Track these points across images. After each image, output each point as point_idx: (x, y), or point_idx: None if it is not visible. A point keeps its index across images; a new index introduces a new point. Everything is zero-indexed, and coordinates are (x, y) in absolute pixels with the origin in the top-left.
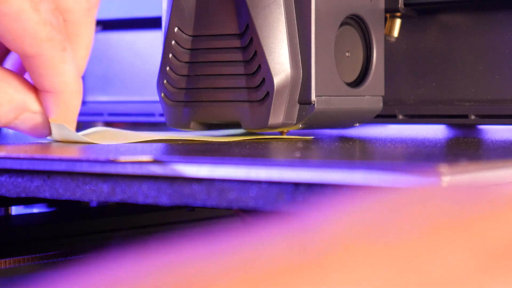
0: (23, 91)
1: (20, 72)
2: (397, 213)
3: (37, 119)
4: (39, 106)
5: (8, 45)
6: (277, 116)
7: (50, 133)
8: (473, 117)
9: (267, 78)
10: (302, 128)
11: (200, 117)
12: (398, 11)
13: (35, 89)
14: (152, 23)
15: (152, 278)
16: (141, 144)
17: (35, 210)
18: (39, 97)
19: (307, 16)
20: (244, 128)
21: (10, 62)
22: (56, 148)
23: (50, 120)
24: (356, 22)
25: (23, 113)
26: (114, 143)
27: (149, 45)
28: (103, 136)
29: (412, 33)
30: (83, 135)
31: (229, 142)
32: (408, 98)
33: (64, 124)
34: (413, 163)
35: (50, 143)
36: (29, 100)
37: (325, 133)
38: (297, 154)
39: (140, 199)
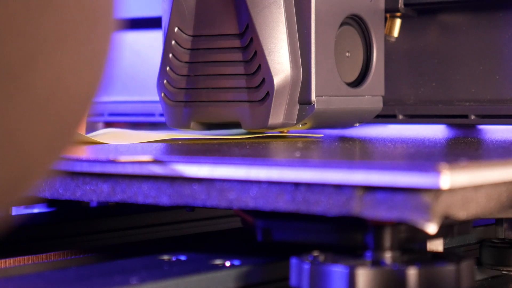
0: None
1: None
2: None
3: None
4: None
5: None
6: (277, 116)
7: None
8: (473, 117)
9: (267, 78)
10: (302, 128)
11: (200, 117)
12: (398, 11)
13: None
14: (152, 23)
15: None
16: (141, 144)
17: (35, 210)
18: None
19: (307, 16)
20: (244, 128)
21: None
22: None
23: None
24: (356, 22)
25: None
26: (124, 143)
27: (149, 45)
28: (113, 137)
29: (412, 33)
30: (92, 137)
31: (235, 140)
32: (408, 98)
33: None
34: (413, 163)
35: None
36: None
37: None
38: (297, 154)
39: (140, 199)
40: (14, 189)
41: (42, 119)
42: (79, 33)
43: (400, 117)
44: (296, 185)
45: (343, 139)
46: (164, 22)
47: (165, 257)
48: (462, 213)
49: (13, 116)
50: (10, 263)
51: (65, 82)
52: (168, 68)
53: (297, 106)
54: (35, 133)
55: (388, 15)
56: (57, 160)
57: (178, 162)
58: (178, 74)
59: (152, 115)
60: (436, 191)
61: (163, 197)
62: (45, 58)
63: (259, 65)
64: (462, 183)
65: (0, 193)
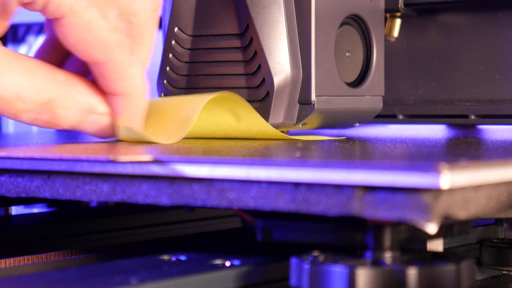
0: (89, 94)
1: (82, 75)
2: None
3: (104, 121)
4: (105, 108)
5: (78, 55)
6: (277, 116)
7: (115, 134)
8: (473, 117)
9: (267, 78)
10: (302, 128)
11: None
12: (398, 11)
13: (101, 91)
14: None
15: None
16: (141, 144)
17: (35, 210)
18: (105, 99)
19: (307, 16)
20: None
21: (71, 65)
22: (56, 148)
23: (118, 122)
24: (356, 22)
25: (90, 115)
26: (181, 137)
27: None
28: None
29: (412, 33)
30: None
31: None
32: (408, 98)
33: (132, 125)
34: (413, 163)
35: (111, 142)
36: (96, 102)
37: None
38: (297, 154)
39: (140, 199)
40: None
41: None
42: None
43: (400, 117)
44: (296, 185)
45: (343, 139)
46: (164, 22)
47: (165, 257)
48: (462, 213)
49: None
50: (10, 263)
51: None
52: (168, 68)
53: (297, 106)
54: None
55: (388, 15)
56: None
57: (178, 162)
58: (178, 74)
59: None
60: (436, 191)
61: (163, 197)
62: None
63: (259, 65)
64: (462, 183)
65: None
